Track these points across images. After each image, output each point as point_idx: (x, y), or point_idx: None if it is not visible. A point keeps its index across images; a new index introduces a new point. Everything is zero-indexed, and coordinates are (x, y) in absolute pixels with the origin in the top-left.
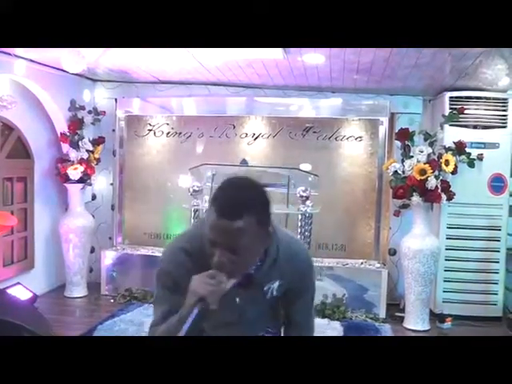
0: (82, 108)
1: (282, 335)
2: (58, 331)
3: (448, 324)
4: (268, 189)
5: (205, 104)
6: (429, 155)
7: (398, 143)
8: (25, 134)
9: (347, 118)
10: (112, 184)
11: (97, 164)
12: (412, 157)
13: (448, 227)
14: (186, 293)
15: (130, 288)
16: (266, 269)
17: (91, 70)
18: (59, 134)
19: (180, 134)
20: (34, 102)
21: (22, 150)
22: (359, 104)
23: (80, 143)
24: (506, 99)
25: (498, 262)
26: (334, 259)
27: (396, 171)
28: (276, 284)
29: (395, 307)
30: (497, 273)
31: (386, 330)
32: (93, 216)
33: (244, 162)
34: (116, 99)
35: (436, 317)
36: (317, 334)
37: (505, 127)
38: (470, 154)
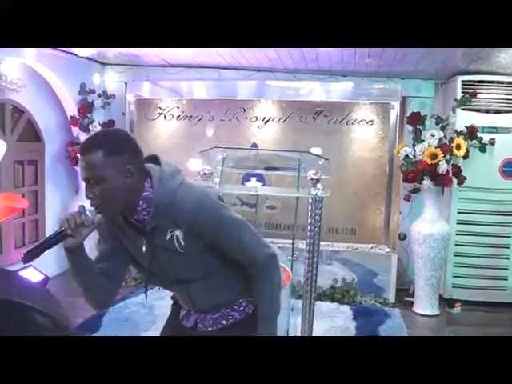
0: (92, 91)
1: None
2: (70, 312)
3: (457, 309)
4: (279, 172)
5: (215, 87)
6: (440, 139)
7: (409, 127)
8: (35, 117)
9: (358, 101)
10: None
11: None
12: (423, 141)
13: (458, 212)
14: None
15: None
16: (156, 216)
17: (101, 54)
18: (69, 118)
19: (190, 117)
20: (44, 85)
21: (32, 133)
22: (370, 88)
23: (90, 126)
24: None
25: (508, 248)
26: (344, 243)
27: (407, 155)
28: (178, 232)
29: (405, 292)
30: (507, 258)
31: (396, 315)
32: None
33: (254, 146)
34: (126, 83)
35: (445, 302)
36: (327, 317)
37: None
38: (481, 138)
